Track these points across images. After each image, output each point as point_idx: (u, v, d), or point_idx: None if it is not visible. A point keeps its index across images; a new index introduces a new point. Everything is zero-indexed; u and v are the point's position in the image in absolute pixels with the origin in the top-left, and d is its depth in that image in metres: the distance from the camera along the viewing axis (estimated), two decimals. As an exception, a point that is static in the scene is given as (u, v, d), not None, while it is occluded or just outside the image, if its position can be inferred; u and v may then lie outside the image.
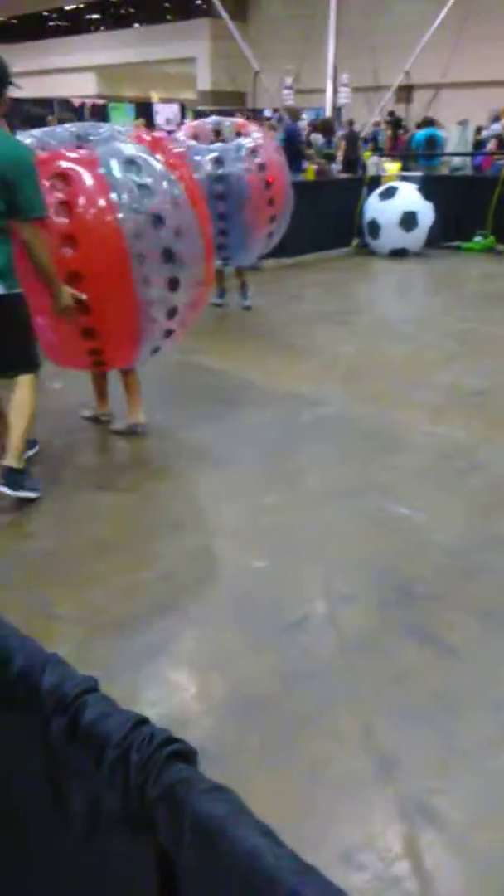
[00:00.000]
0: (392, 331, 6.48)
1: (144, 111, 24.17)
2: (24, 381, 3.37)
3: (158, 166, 3.70)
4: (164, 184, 3.67)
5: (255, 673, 2.38)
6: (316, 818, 1.87)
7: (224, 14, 18.14)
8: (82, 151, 3.70)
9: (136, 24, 34.97)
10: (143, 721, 0.83)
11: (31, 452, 3.70)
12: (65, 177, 3.47)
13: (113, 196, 3.48)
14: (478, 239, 10.18)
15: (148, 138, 4.02)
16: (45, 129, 4.63)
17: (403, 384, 5.05)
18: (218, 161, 5.89)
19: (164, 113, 24.25)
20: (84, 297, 3.40)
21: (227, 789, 0.76)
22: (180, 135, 6.65)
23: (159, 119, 23.80)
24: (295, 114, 11.10)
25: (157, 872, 0.80)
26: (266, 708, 2.23)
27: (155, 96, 27.36)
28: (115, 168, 3.54)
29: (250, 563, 3.02)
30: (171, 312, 3.82)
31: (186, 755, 0.80)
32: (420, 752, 2.05)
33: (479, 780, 1.98)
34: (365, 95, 20.49)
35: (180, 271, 3.73)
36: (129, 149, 3.71)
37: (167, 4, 33.67)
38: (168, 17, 33.55)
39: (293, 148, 9.30)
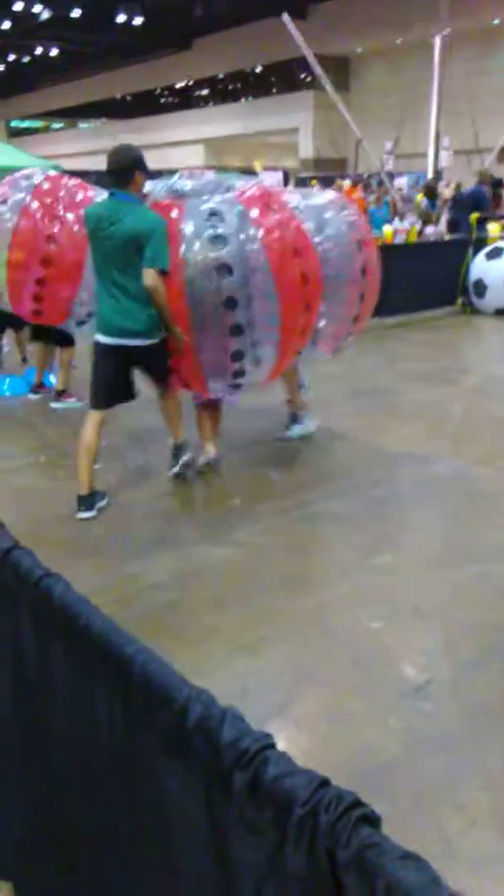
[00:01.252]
0: (501, 390, 6.36)
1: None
2: (168, 395, 4.20)
3: (237, 219, 3.86)
4: (241, 236, 3.83)
5: (379, 739, 2.32)
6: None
7: (328, 86, 18.79)
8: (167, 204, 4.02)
9: (243, 99, 36.73)
10: (327, 782, 0.84)
11: (185, 458, 4.32)
12: None
13: (182, 251, 3.80)
14: None
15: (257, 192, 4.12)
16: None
17: (517, 445, 4.93)
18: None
19: (268, 180, 25.13)
20: (186, 338, 3.87)
21: (419, 857, 0.75)
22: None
23: (263, 186, 24.63)
24: (485, 177, 11.55)
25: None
26: (391, 776, 2.17)
27: (258, 165, 28.43)
28: (192, 223, 3.85)
29: (367, 624, 2.98)
30: (237, 355, 3.97)
31: (373, 820, 0.80)
32: None
33: None
34: (466, 158, 20.63)
35: (244, 318, 3.87)
36: (216, 201, 3.95)
37: (273, 79, 35.23)
38: (274, 90, 35.08)
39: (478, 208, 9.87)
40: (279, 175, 24.53)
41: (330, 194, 5.12)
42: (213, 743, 0.92)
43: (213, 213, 3.87)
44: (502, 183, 18.53)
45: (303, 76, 30.23)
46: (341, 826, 0.78)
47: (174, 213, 3.94)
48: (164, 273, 3.72)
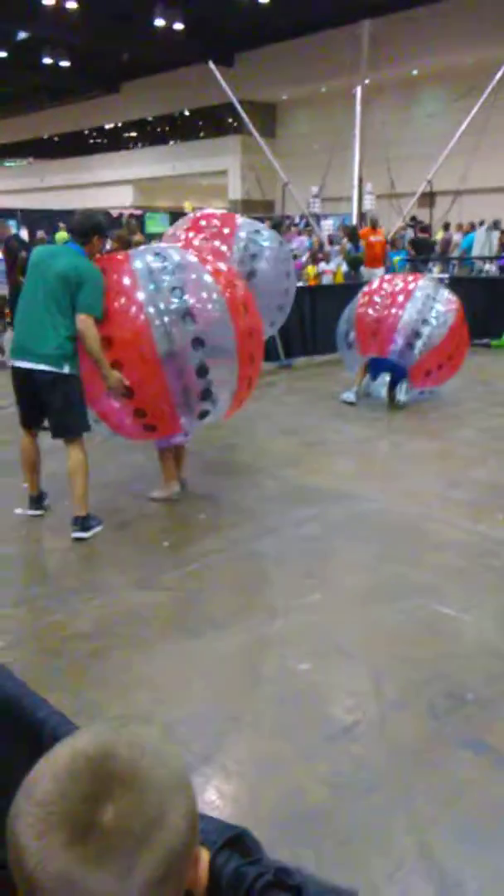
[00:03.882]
0: (426, 427, 6.54)
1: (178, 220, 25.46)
2: (75, 444, 4.10)
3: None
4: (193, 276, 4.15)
5: (306, 783, 2.31)
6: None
7: (254, 132, 19.29)
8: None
9: (171, 142, 37.27)
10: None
11: (97, 529, 4.20)
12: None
13: (140, 294, 4.01)
14: (506, 336, 10.38)
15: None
16: None
17: (440, 481, 5.06)
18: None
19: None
20: (126, 381, 4.03)
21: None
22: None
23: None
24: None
25: None
26: (318, 821, 2.16)
27: (188, 206, 28.79)
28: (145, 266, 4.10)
29: (294, 665, 2.98)
30: (204, 394, 4.21)
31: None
32: (484, 874, 1.96)
33: (549, 906, 1.87)
34: (388, 202, 21.40)
35: (207, 358, 4.10)
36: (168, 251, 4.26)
37: (200, 122, 35.92)
38: (201, 134, 35.74)
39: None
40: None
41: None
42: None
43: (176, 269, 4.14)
44: (426, 227, 19.28)
45: (230, 121, 30.93)
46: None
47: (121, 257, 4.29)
48: (96, 320, 3.95)
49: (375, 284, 7.47)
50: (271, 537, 4.18)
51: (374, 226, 13.44)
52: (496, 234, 12.15)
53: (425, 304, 6.88)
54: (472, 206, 21.90)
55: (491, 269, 11.83)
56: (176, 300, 4.02)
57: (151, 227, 21.63)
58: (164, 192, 36.71)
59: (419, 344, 6.78)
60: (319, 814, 2.18)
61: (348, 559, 3.93)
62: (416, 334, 6.78)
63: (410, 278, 7.59)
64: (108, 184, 36.24)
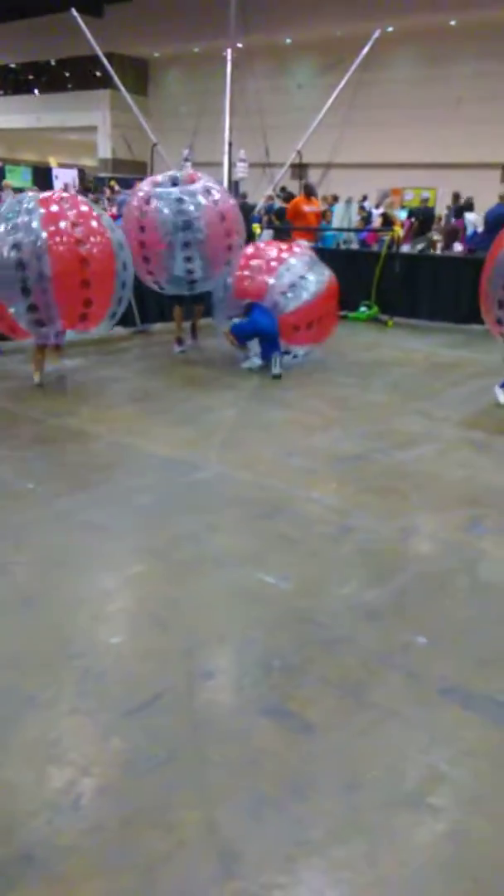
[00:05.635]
0: (275, 396, 6.54)
1: (43, 175, 24.26)
2: None
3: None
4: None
5: (97, 762, 2.21)
6: (146, 929, 1.71)
7: (122, 88, 18.59)
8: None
9: (36, 91, 35.36)
10: None
11: None
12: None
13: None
14: (363, 309, 10.59)
15: None
16: None
17: (280, 449, 5.06)
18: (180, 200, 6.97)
19: (63, 178, 24.40)
20: None
21: None
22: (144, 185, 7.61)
23: (58, 184, 23.89)
24: None
25: None
26: (103, 803, 2.07)
27: (53, 161, 27.54)
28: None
29: (106, 639, 2.87)
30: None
31: None
32: (264, 845, 1.94)
33: (323, 874, 1.87)
34: (262, 171, 21.32)
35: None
36: None
37: (68, 74, 34.27)
38: (69, 85, 34.13)
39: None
40: (74, 173, 24.00)
41: None
42: None
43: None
44: (293, 197, 19.32)
45: (99, 75, 29.71)
46: None
47: None
48: None
49: (251, 250, 7.56)
50: (100, 507, 4.03)
51: (310, 194, 12.10)
52: (354, 208, 12.32)
53: (301, 271, 7.29)
54: (341, 179, 22.24)
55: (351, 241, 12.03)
56: None
57: (12, 181, 20.46)
58: (27, 145, 34.90)
59: (290, 295, 7.15)
60: (106, 795, 2.10)
61: (177, 530, 3.83)
62: (291, 286, 7.18)
63: (284, 246, 7.71)
64: (-31, 132, 34.08)
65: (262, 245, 8.01)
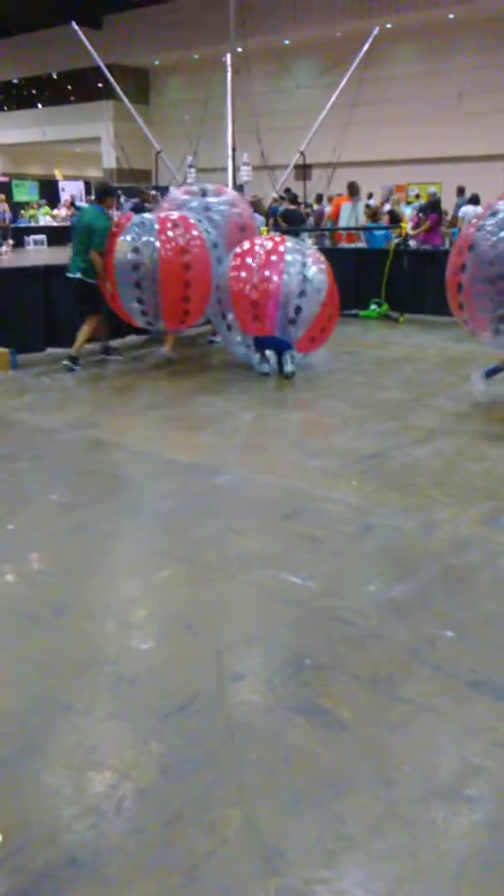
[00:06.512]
0: (291, 398, 6.58)
1: (49, 188, 24.44)
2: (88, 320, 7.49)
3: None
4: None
5: (137, 766, 2.25)
6: (193, 926, 1.75)
7: (124, 98, 18.72)
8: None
9: (40, 105, 35.63)
10: None
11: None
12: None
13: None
14: (373, 307, 10.60)
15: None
16: None
17: (299, 451, 5.09)
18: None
19: (70, 190, 24.59)
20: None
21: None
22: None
23: (65, 195, 24.09)
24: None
25: None
26: (145, 805, 2.10)
27: (59, 174, 27.73)
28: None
29: (137, 645, 2.91)
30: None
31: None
32: (305, 841, 1.97)
33: (364, 867, 1.90)
34: (264, 174, 21.37)
35: None
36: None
37: (70, 86, 34.50)
38: (71, 98, 34.36)
39: None
40: (80, 185, 24.23)
41: None
42: None
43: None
44: (297, 199, 19.39)
45: (101, 86, 29.89)
46: None
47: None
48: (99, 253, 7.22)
49: (246, 247, 7.37)
50: (122, 514, 4.08)
51: (353, 193, 12.33)
52: (361, 206, 12.33)
53: (299, 271, 6.99)
54: (345, 178, 22.24)
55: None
56: None
57: (19, 196, 20.65)
58: (33, 159, 35.15)
59: (300, 319, 6.96)
60: (147, 797, 2.13)
61: (200, 534, 3.87)
62: (298, 309, 6.92)
63: (278, 238, 7.56)
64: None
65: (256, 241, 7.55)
